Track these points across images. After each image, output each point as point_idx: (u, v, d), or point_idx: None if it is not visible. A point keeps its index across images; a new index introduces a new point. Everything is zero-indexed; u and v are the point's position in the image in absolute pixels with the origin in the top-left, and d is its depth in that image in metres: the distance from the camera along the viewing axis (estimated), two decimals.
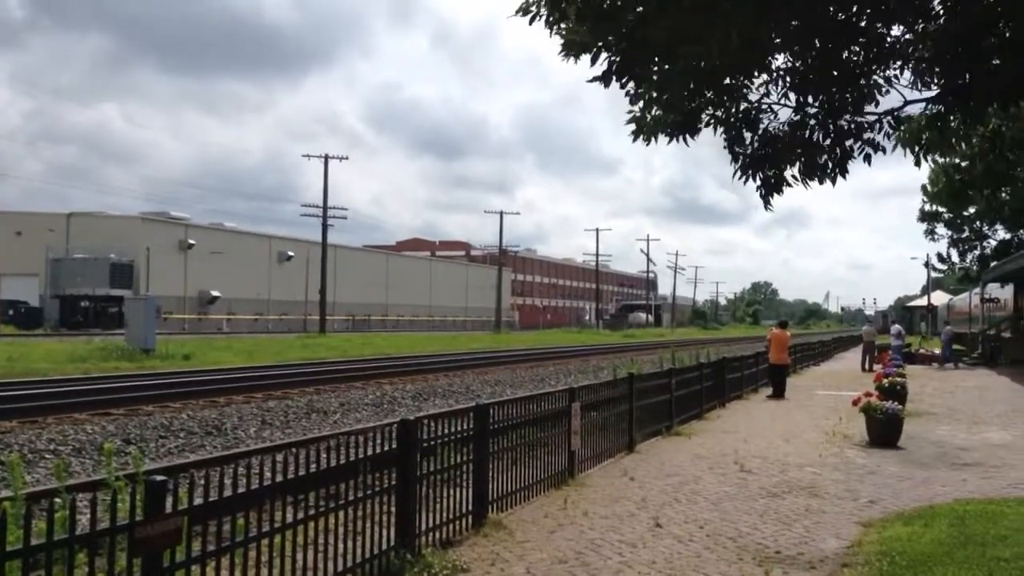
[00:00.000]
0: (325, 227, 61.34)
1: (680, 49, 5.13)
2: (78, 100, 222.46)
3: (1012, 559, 6.31)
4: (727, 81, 5.67)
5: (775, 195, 6.00)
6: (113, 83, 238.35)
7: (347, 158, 63.51)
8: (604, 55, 5.34)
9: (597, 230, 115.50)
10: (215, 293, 69.17)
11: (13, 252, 61.88)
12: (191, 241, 67.95)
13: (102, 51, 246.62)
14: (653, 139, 5.84)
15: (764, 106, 5.91)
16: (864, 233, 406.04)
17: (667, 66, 5.40)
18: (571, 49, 5.40)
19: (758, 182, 5.94)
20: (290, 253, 78.05)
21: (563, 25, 5.34)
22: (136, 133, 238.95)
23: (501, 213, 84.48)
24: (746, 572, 6.22)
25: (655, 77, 5.53)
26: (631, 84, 5.56)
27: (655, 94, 5.66)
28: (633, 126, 5.84)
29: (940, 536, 7.04)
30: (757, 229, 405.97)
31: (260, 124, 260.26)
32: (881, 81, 5.59)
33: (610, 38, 5.24)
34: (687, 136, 5.84)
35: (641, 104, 5.77)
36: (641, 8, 5.04)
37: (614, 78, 5.41)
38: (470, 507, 7.27)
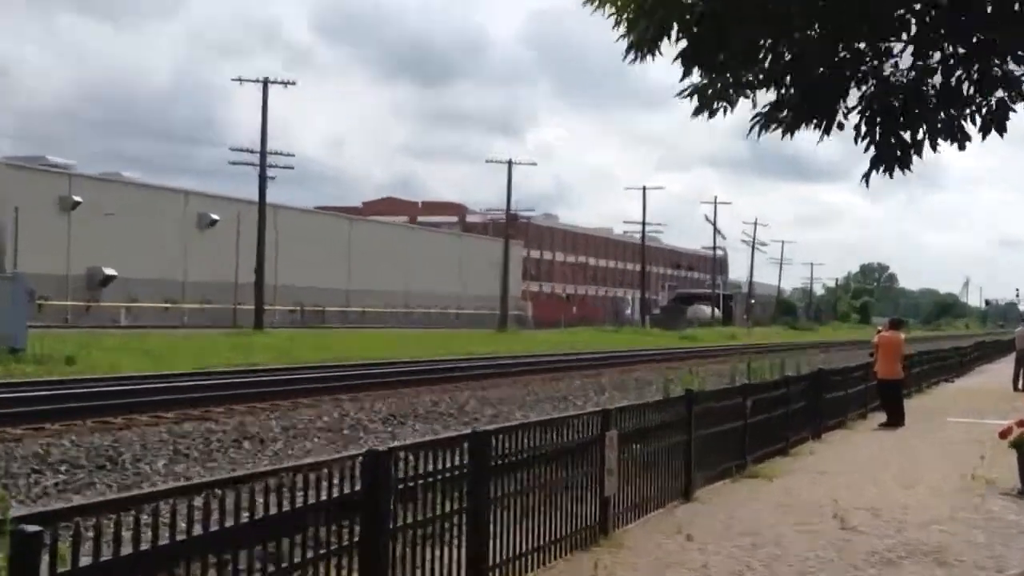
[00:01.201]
0: (263, 179, 61.41)
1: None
2: None
3: None
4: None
5: (906, 169, 6.09)
6: None
7: (294, 83, 63.32)
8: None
9: (644, 189, 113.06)
10: (109, 271, 69.48)
11: None
12: (76, 198, 68.19)
13: None
14: (728, 110, 6.08)
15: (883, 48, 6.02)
16: (1020, 195, 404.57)
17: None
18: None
19: (873, 151, 6.04)
20: (214, 216, 78.24)
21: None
22: None
23: (509, 163, 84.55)
24: None
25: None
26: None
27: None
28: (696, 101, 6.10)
29: None
30: (867, 189, 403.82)
31: (167, 33, 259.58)
32: None
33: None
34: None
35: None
36: None
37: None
38: (463, 574, 7.32)
